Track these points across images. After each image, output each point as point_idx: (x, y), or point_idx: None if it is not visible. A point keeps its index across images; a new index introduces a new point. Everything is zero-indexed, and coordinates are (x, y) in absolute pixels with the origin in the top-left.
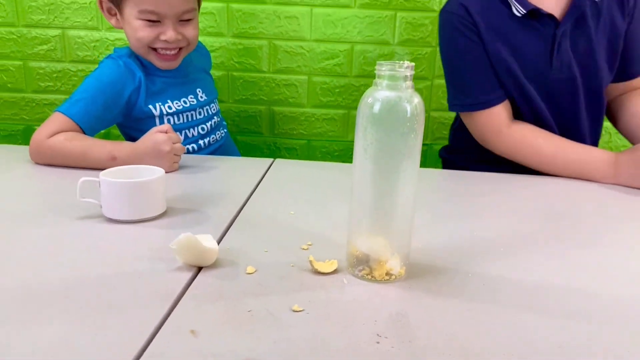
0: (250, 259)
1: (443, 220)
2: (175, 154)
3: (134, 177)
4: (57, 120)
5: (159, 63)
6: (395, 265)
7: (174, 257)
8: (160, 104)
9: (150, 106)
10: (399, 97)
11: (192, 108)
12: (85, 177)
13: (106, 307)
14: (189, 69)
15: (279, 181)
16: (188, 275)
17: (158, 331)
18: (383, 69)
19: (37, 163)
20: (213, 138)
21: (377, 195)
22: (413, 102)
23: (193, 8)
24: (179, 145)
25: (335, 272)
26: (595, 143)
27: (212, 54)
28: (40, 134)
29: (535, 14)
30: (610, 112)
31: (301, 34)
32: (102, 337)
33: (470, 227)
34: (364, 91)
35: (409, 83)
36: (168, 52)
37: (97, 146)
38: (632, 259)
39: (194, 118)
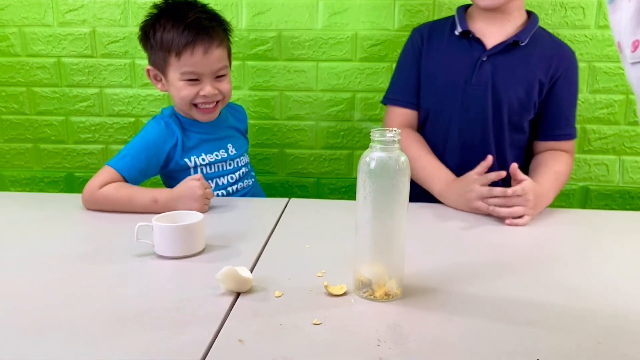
0: (277, 285)
1: (431, 249)
2: (206, 197)
3: (178, 221)
4: (106, 172)
5: (200, 116)
6: (392, 287)
7: (217, 285)
8: (195, 157)
9: (186, 159)
10: (389, 156)
11: (222, 160)
12: (141, 222)
13: (171, 325)
14: (221, 127)
15: (295, 219)
16: (230, 299)
17: (214, 342)
18: (377, 135)
19: (89, 209)
20: (241, 185)
21: (376, 233)
22: (400, 160)
23: (225, 65)
24: (209, 190)
25: (345, 294)
26: (517, 160)
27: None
28: (93, 184)
29: (467, 35)
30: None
31: (309, 85)
32: (171, 349)
33: (452, 254)
34: (366, 133)
35: (397, 145)
36: (207, 105)
37: (141, 192)
38: (586, 277)
39: (224, 169)
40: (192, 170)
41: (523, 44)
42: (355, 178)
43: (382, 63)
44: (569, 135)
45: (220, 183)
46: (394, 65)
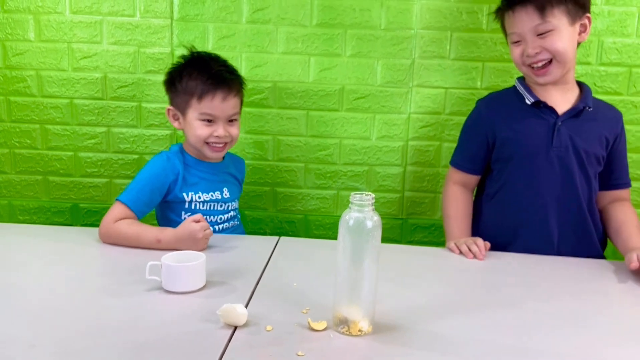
0: (268, 320)
1: (402, 289)
2: (205, 238)
3: (184, 261)
4: (117, 207)
5: (210, 154)
6: (364, 325)
7: (217, 319)
8: (192, 192)
9: (184, 193)
10: (364, 216)
11: (216, 201)
12: (151, 261)
13: (179, 356)
14: (221, 172)
15: (284, 257)
16: (229, 332)
17: None
18: (355, 199)
19: (104, 242)
20: (226, 226)
21: (351, 279)
22: (373, 219)
23: (237, 112)
24: (209, 231)
25: (325, 329)
26: (590, 207)
27: None
28: (107, 220)
29: (539, 105)
30: (602, 220)
31: (299, 131)
32: None
33: (421, 293)
34: (350, 176)
35: (371, 207)
36: (218, 145)
37: (147, 232)
38: (543, 319)
39: (216, 209)
40: (186, 204)
41: (590, 109)
42: (339, 215)
43: (366, 114)
44: (629, 183)
45: (209, 220)
46: (377, 115)
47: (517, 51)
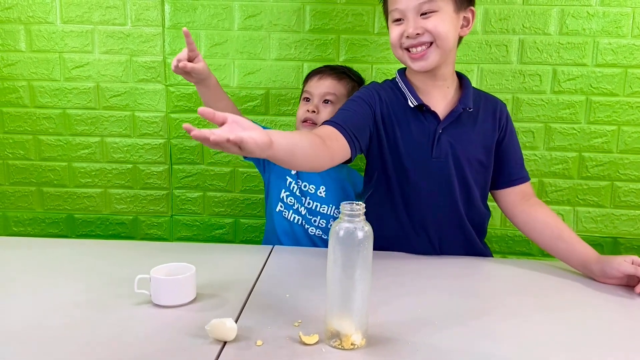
0: (258, 334)
1: (395, 299)
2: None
3: (174, 274)
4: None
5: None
6: (357, 338)
7: (206, 334)
8: (298, 175)
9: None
10: (354, 227)
11: (305, 194)
12: (140, 275)
13: None
14: (338, 174)
15: (277, 267)
16: (218, 347)
17: None
18: (345, 209)
19: None
20: (311, 230)
21: (343, 291)
22: (364, 229)
23: (333, 93)
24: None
25: (317, 343)
26: (469, 212)
27: (221, 155)
28: None
29: (422, 108)
30: (517, 220)
31: None
32: None
33: (414, 304)
34: None
35: (362, 217)
36: (309, 122)
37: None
38: (543, 329)
39: (302, 203)
40: (287, 183)
41: (471, 110)
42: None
43: None
44: (526, 177)
45: (299, 211)
46: None
47: (396, 30)
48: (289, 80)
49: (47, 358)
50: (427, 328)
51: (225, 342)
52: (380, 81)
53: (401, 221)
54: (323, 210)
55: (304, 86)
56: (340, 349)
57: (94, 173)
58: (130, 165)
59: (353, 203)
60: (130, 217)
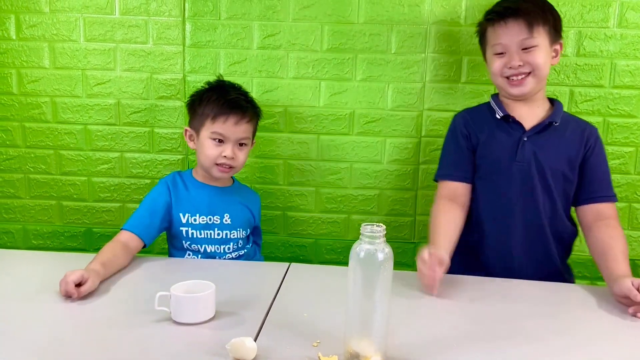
0: (278, 354)
1: (415, 321)
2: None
3: (194, 291)
4: (120, 233)
5: (217, 174)
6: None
7: (226, 352)
8: (189, 214)
9: (180, 214)
10: (375, 248)
11: (213, 227)
12: (161, 292)
13: None
14: (226, 196)
15: (295, 285)
16: None
17: None
18: (366, 230)
19: None
20: (229, 257)
21: (363, 312)
22: (384, 251)
23: (248, 138)
24: (69, 286)
25: None
26: (552, 224)
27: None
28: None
29: (507, 119)
30: (587, 241)
31: (310, 155)
32: None
33: (434, 325)
34: (361, 200)
35: (382, 239)
36: (225, 166)
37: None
38: (552, 353)
39: (213, 237)
40: (184, 232)
41: (557, 124)
42: (351, 240)
43: (377, 137)
44: (610, 197)
45: (209, 250)
46: (388, 139)
47: (498, 63)
48: (306, 98)
49: None
50: (447, 351)
51: None
52: (392, 99)
53: (484, 227)
54: (233, 236)
55: (204, 120)
56: None
57: (112, 188)
58: (148, 181)
59: (374, 225)
60: None
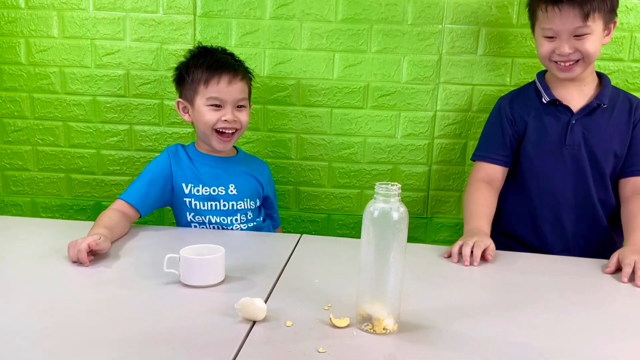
0: (288, 316)
1: (429, 288)
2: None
3: (204, 254)
4: (116, 202)
5: (217, 144)
6: (389, 323)
7: (235, 313)
8: (192, 185)
9: (183, 184)
10: (390, 207)
11: (218, 198)
12: (170, 254)
13: (195, 348)
14: (231, 166)
15: (306, 254)
16: (247, 327)
17: None
18: (380, 189)
19: None
20: (236, 227)
21: (376, 274)
22: (400, 211)
23: (245, 98)
24: (81, 253)
25: (347, 326)
26: (603, 202)
27: (250, 145)
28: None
29: (555, 103)
30: (621, 214)
31: (323, 129)
32: None
33: (448, 293)
34: (374, 174)
35: (397, 197)
36: (227, 131)
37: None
38: (573, 321)
39: (218, 208)
40: (188, 203)
41: (605, 105)
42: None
43: (391, 111)
44: None
45: (213, 221)
46: (402, 113)
47: (548, 46)
48: (320, 70)
49: (77, 331)
50: (462, 317)
51: (254, 322)
52: (408, 72)
53: (536, 213)
54: (240, 207)
55: (197, 87)
56: (372, 333)
57: (122, 161)
58: (157, 154)
59: (388, 183)
60: None
